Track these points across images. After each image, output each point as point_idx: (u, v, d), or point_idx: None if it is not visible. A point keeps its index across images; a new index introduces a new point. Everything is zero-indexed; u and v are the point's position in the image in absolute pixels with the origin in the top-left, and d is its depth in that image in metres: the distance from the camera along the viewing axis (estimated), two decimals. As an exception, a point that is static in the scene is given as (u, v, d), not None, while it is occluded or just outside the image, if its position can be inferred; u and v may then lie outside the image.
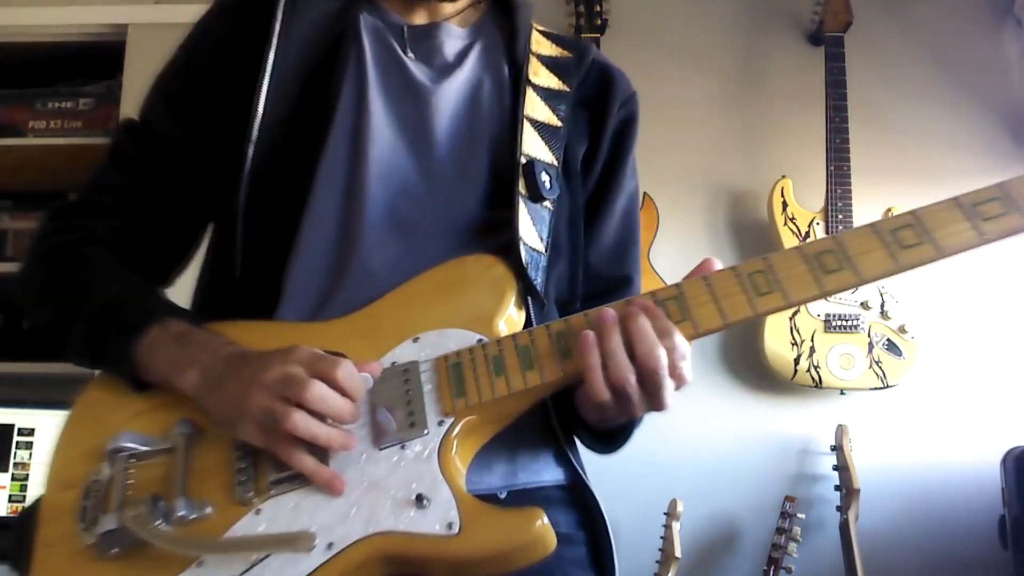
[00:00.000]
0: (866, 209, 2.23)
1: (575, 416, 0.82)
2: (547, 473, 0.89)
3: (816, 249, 0.73)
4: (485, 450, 0.78)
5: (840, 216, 2.21)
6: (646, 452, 2.26)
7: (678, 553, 1.94)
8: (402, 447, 0.73)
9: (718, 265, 0.75)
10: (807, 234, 2.22)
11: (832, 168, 2.23)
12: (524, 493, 0.85)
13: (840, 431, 2.13)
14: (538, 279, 0.84)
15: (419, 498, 0.70)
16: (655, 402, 0.71)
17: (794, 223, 2.25)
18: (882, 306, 2.18)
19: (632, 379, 0.69)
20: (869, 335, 2.17)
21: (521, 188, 0.86)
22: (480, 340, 0.77)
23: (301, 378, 0.69)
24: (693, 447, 2.27)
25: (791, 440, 2.30)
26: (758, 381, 2.31)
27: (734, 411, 2.32)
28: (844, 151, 2.22)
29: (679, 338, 0.71)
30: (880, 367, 2.15)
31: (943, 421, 2.28)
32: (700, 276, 0.75)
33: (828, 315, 2.18)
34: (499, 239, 0.85)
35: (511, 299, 0.80)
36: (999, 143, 2.41)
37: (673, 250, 2.32)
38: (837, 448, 2.12)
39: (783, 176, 2.29)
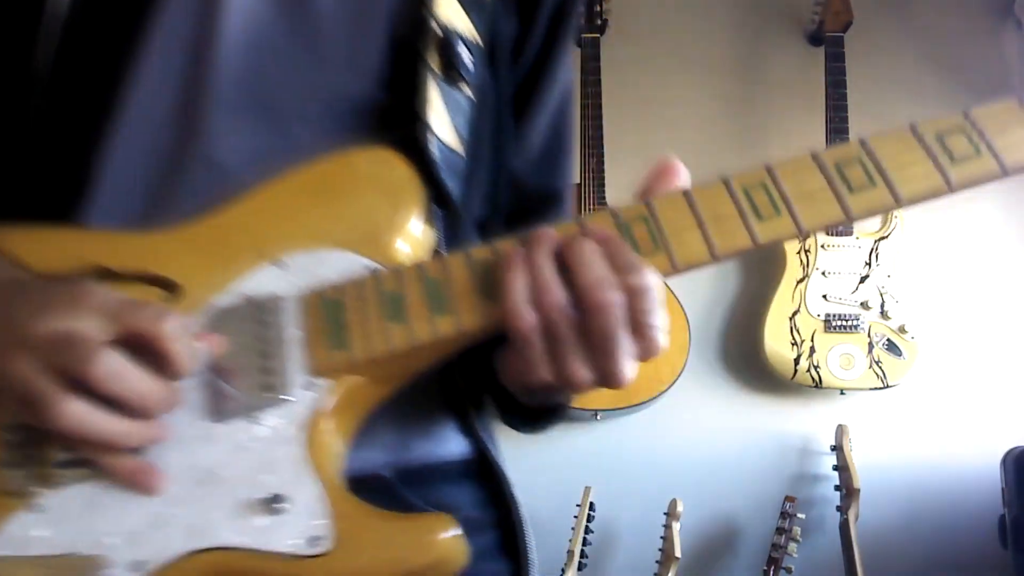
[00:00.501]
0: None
1: (490, 377, 0.62)
2: (447, 445, 0.71)
3: (838, 158, 0.55)
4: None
5: (840, 216, 2.21)
6: (646, 452, 2.26)
7: (678, 553, 1.94)
8: (252, 421, 0.52)
9: (683, 172, 0.57)
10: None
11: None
12: (416, 473, 0.67)
13: (840, 431, 2.13)
14: (454, 186, 0.64)
15: (273, 499, 0.50)
16: (603, 362, 0.51)
17: (794, 223, 2.24)
18: (882, 306, 2.18)
19: (564, 313, 0.50)
20: (869, 335, 2.17)
21: (433, 63, 0.65)
22: (371, 268, 0.56)
23: (88, 343, 0.48)
24: (693, 447, 2.27)
25: (791, 440, 2.30)
26: (758, 381, 2.31)
27: (734, 411, 2.32)
28: (844, 151, 2.22)
29: (647, 276, 0.51)
30: (880, 367, 2.15)
31: (943, 421, 2.28)
32: (679, 191, 0.56)
33: (828, 315, 2.18)
34: (401, 132, 0.64)
35: (416, 211, 0.59)
36: (999, 143, 2.40)
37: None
38: (837, 448, 2.12)
39: (783, 176, 2.29)
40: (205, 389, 0.53)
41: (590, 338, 0.51)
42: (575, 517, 2.04)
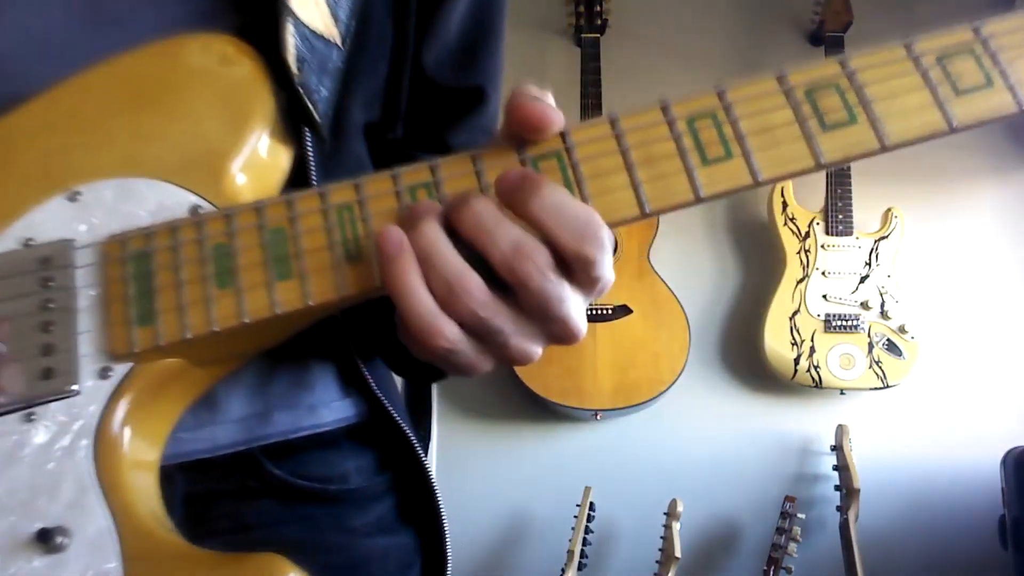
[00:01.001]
0: (866, 209, 2.23)
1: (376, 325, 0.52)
2: (322, 412, 0.57)
3: (811, 82, 0.43)
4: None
5: (840, 216, 2.21)
6: (646, 452, 2.26)
7: (678, 553, 1.94)
8: (26, 420, 0.39)
9: (547, 96, 0.42)
10: (807, 234, 2.22)
11: (832, 168, 2.22)
12: (283, 446, 0.54)
13: (840, 431, 2.13)
14: (321, 88, 0.48)
15: (48, 532, 0.37)
16: (550, 328, 0.41)
17: (794, 223, 2.24)
18: (882, 306, 2.18)
19: (489, 307, 0.39)
20: (869, 335, 2.16)
21: None
22: (195, 207, 0.42)
23: None
24: (693, 447, 2.27)
25: (791, 440, 2.30)
26: (758, 381, 2.31)
27: (734, 411, 2.32)
28: (844, 151, 2.22)
29: (563, 207, 0.39)
30: (880, 367, 2.15)
31: (943, 421, 2.28)
32: (604, 118, 0.43)
33: (828, 315, 2.18)
34: (252, 13, 0.48)
35: (259, 125, 0.44)
36: (999, 143, 2.40)
37: (673, 250, 2.32)
38: (837, 448, 2.12)
39: (783, 176, 2.29)
40: None
41: (528, 314, 0.40)
42: (575, 517, 2.04)
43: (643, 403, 2.16)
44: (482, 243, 0.39)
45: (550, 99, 0.42)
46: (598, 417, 2.18)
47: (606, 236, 0.40)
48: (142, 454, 0.42)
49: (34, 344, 0.40)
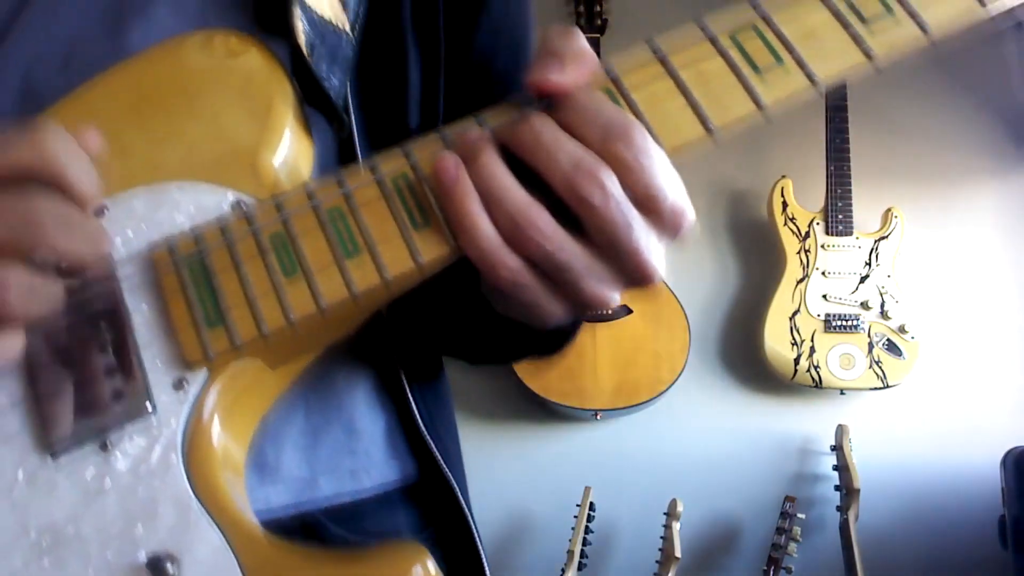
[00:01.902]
0: (866, 209, 2.23)
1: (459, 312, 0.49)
2: (367, 476, 0.54)
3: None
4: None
5: (840, 216, 2.21)
6: (646, 452, 2.26)
7: (678, 553, 1.94)
8: (104, 450, 0.37)
9: (579, 38, 0.41)
10: (807, 234, 2.22)
11: (832, 168, 2.22)
12: (334, 511, 0.52)
13: (840, 431, 2.13)
14: (332, 77, 0.46)
15: (155, 561, 0.35)
16: (625, 265, 0.39)
17: (794, 223, 2.24)
18: (882, 306, 2.18)
19: (554, 238, 0.37)
20: (869, 335, 2.16)
21: None
22: (238, 202, 0.41)
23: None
24: (693, 447, 2.27)
25: (791, 440, 2.30)
26: (758, 381, 2.31)
27: (734, 411, 2.32)
28: (844, 151, 2.22)
29: (632, 130, 0.38)
30: (880, 367, 2.15)
31: (943, 421, 2.28)
32: (643, 47, 0.42)
33: (828, 315, 2.18)
34: (261, 5, 0.47)
35: (286, 111, 0.42)
36: (999, 143, 2.40)
37: (673, 250, 2.32)
38: (837, 448, 2.12)
39: (783, 176, 2.29)
40: (23, 408, 0.37)
41: (599, 247, 0.38)
42: (575, 517, 2.04)
43: (643, 403, 2.16)
44: (542, 162, 0.37)
45: (573, 45, 0.40)
46: (598, 417, 2.18)
47: (639, 136, 0.37)
48: (233, 461, 0.40)
49: (96, 367, 0.38)
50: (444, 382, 0.62)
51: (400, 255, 0.38)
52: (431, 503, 0.58)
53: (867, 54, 0.41)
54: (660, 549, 1.99)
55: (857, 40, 0.41)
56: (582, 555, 2.01)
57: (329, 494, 0.52)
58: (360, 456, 0.54)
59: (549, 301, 0.39)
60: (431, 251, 0.39)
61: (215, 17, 0.46)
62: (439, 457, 0.56)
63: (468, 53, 0.58)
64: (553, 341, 0.53)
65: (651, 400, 2.16)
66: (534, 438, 2.30)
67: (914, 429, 2.28)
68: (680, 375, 2.17)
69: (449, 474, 0.56)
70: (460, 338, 0.59)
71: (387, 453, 0.56)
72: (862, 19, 0.41)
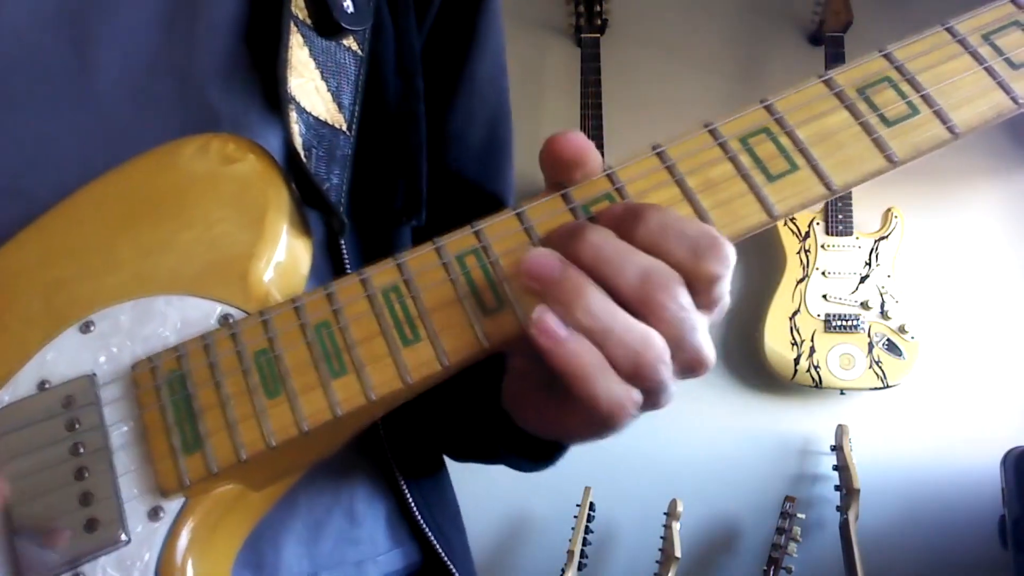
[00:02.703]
0: (866, 209, 2.23)
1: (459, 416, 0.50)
2: (373, 566, 0.54)
3: (859, 79, 0.41)
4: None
5: (840, 216, 2.21)
6: (646, 452, 2.26)
7: (678, 553, 1.94)
8: None
9: (585, 147, 0.39)
10: (807, 234, 2.22)
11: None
12: None
13: (840, 431, 2.13)
14: (332, 176, 0.46)
15: None
16: (677, 360, 0.37)
17: (794, 223, 2.24)
18: (882, 306, 2.18)
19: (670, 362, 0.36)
20: (869, 335, 2.16)
21: (296, 8, 0.47)
22: (225, 316, 0.39)
23: None
24: (693, 447, 2.27)
25: (791, 440, 2.30)
26: (758, 381, 2.31)
27: (734, 411, 2.32)
28: (844, 151, 2.22)
29: (727, 251, 0.37)
30: (880, 367, 2.15)
31: (943, 421, 2.28)
32: (647, 149, 0.40)
33: (828, 315, 2.18)
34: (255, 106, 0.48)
35: (280, 219, 0.41)
36: (999, 143, 2.40)
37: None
38: (837, 448, 2.12)
39: (783, 176, 2.29)
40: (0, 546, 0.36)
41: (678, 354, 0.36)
42: (575, 517, 2.04)
43: (643, 403, 2.16)
44: (607, 276, 0.35)
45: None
46: (598, 417, 2.17)
47: (727, 249, 0.36)
48: None
49: (70, 495, 0.36)
50: (444, 473, 0.62)
51: (388, 376, 0.37)
52: None
53: (889, 158, 0.39)
54: (660, 549, 1.99)
55: (876, 139, 0.39)
56: (582, 555, 2.01)
57: None
58: (364, 545, 0.53)
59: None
60: (420, 370, 0.37)
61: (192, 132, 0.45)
62: (439, 548, 0.54)
63: (444, 130, 0.59)
64: (547, 451, 0.51)
65: (651, 400, 2.16)
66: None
67: (914, 429, 2.28)
68: (680, 375, 2.17)
69: (451, 565, 0.55)
70: (445, 438, 0.58)
71: (390, 542, 0.55)
72: (884, 119, 0.40)
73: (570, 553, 1.99)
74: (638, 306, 0.35)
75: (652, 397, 0.36)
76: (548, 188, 0.40)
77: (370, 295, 0.38)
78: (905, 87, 0.40)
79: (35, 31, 0.46)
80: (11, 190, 0.43)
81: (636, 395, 0.35)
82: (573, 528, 2.02)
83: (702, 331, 0.36)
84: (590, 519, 2.04)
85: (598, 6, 2.31)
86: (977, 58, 0.40)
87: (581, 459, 2.45)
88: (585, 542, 2.02)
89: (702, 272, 0.36)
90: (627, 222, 0.36)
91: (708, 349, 0.37)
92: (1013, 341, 2.32)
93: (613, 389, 0.35)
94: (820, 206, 2.24)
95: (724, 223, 0.38)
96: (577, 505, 2.05)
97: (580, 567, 2.01)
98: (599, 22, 2.31)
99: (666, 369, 0.35)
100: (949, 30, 0.41)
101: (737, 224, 0.38)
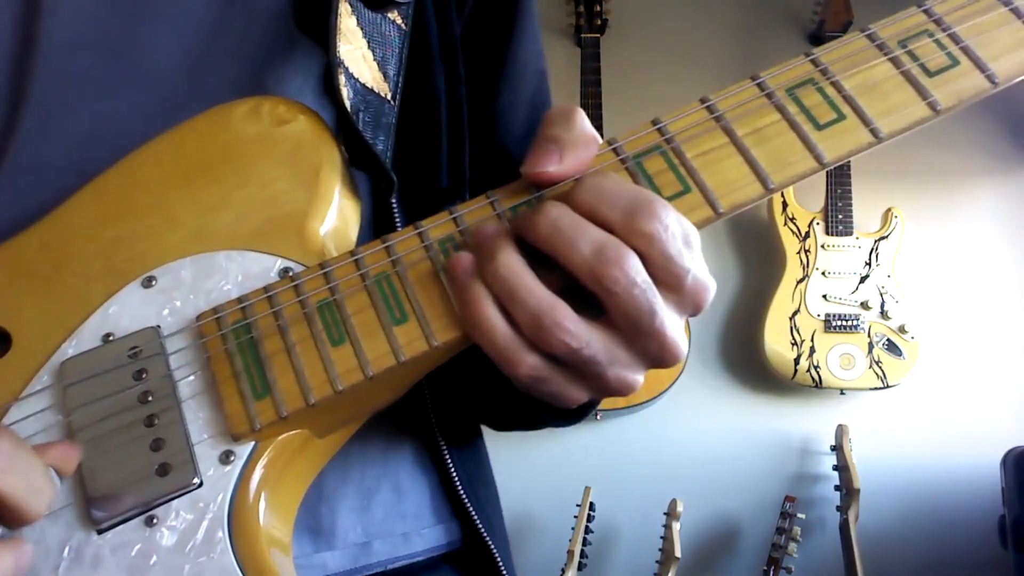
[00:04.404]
0: (866, 209, 2.23)
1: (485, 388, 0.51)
2: (419, 538, 0.56)
3: (899, 32, 0.41)
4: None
5: (840, 216, 2.21)
6: (646, 452, 2.26)
7: (678, 553, 1.94)
8: (149, 525, 0.37)
9: (582, 124, 0.40)
10: (807, 234, 2.22)
11: (832, 168, 2.22)
12: (392, 574, 0.53)
13: (840, 431, 2.13)
14: (377, 142, 0.47)
15: None
16: (647, 346, 0.38)
17: (794, 223, 2.24)
18: (882, 306, 2.18)
19: (576, 334, 0.36)
20: (869, 335, 2.16)
21: None
22: (285, 269, 0.41)
23: None
24: (693, 447, 2.27)
25: (791, 440, 2.30)
26: (758, 381, 2.31)
27: (734, 411, 2.32)
28: (844, 151, 2.22)
29: (653, 208, 0.37)
30: (880, 367, 2.15)
31: (943, 421, 2.28)
32: (695, 102, 0.42)
33: (828, 315, 2.18)
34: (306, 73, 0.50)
35: (334, 177, 0.43)
36: (999, 143, 2.40)
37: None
38: (837, 448, 2.12)
39: (783, 176, 2.29)
40: (69, 483, 0.37)
41: (623, 332, 0.37)
42: (575, 517, 2.04)
43: (643, 403, 2.16)
44: (561, 250, 0.36)
45: (573, 130, 0.40)
46: (598, 417, 2.18)
47: (661, 208, 0.36)
48: (279, 536, 0.39)
49: (142, 441, 0.37)
50: (482, 447, 0.63)
51: (448, 323, 0.38)
52: (474, 570, 0.58)
53: (933, 106, 0.40)
54: (660, 549, 1.99)
55: (919, 88, 0.40)
56: (582, 555, 2.01)
57: (384, 559, 0.53)
58: (410, 519, 0.55)
59: (570, 389, 0.39)
60: None
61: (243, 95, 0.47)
62: (480, 525, 0.56)
63: (490, 111, 0.61)
64: (578, 409, 0.52)
65: (651, 400, 2.16)
66: (534, 438, 2.30)
67: (914, 429, 2.28)
68: (680, 375, 2.17)
69: (491, 542, 0.57)
70: (488, 407, 0.59)
71: (434, 517, 0.57)
72: (926, 70, 0.41)
73: (570, 553, 1.99)
74: (590, 281, 0.36)
75: (570, 369, 0.37)
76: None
77: (427, 245, 0.39)
78: (944, 39, 0.41)
79: (97, 9, 0.47)
80: (75, 167, 0.44)
81: (530, 356, 0.36)
82: (573, 528, 2.02)
83: (666, 317, 0.37)
84: (590, 519, 2.04)
85: (598, 6, 2.31)
86: (1017, 13, 0.41)
87: (581, 459, 2.45)
88: (585, 542, 2.02)
89: (636, 230, 0.36)
90: (571, 191, 0.37)
91: (674, 337, 0.37)
92: (1013, 341, 2.32)
93: (504, 342, 0.36)
94: (820, 206, 2.24)
95: (774, 169, 0.39)
96: (577, 505, 2.05)
97: (580, 567, 2.01)
98: (599, 22, 2.31)
99: (569, 337, 0.36)
100: None
101: (787, 170, 0.39)
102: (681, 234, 0.37)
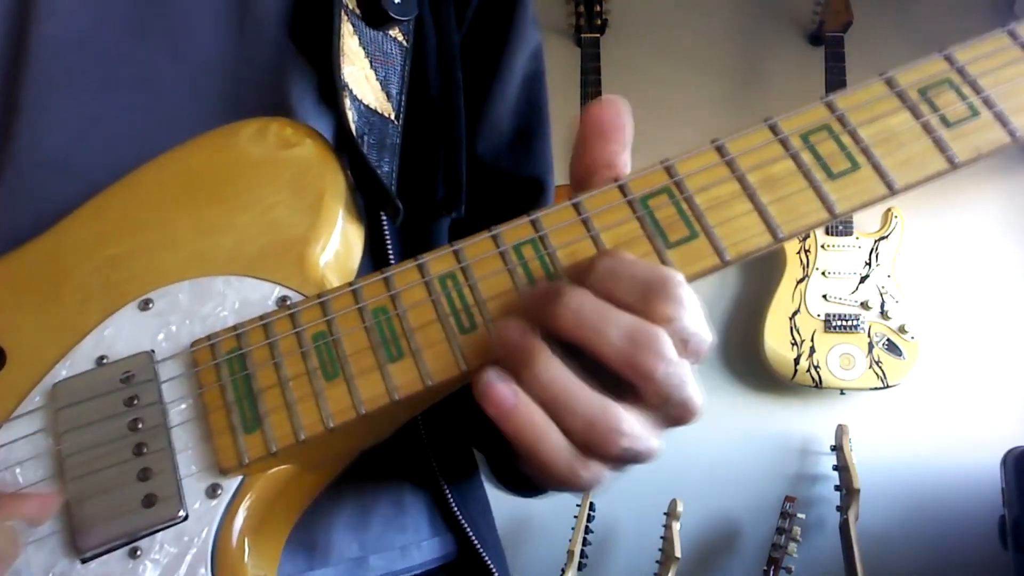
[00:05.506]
0: (866, 209, 2.23)
1: (475, 428, 0.52)
2: (418, 551, 0.55)
3: (919, 80, 0.40)
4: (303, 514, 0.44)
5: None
6: (646, 452, 2.26)
7: (678, 553, 1.94)
8: (132, 556, 0.36)
9: (625, 111, 0.41)
10: (807, 234, 2.22)
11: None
12: None
13: (840, 431, 2.13)
14: (383, 164, 0.47)
15: None
16: (673, 414, 0.37)
17: (794, 223, 2.25)
18: (882, 306, 2.18)
19: (601, 419, 0.35)
20: (869, 335, 2.16)
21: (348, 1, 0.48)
22: (283, 298, 0.40)
23: None
24: (693, 447, 2.27)
25: (791, 440, 2.30)
26: (758, 381, 2.31)
27: (734, 411, 2.32)
28: (844, 151, 2.22)
29: (682, 290, 0.37)
30: (880, 367, 2.15)
31: (943, 421, 2.28)
32: (708, 145, 0.40)
33: (828, 315, 2.18)
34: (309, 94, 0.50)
35: (337, 204, 0.42)
36: (999, 143, 2.40)
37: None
38: (837, 448, 2.12)
39: (783, 176, 2.29)
40: (62, 515, 0.36)
41: (649, 407, 0.36)
42: (575, 517, 2.04)
43: (643, 403, 2.16)
44: (590, 341, 0.34)
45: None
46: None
47: (677, 288, 0.36)
48: (265, 570, 0.38)
49: (129, 470, 0.36)
50: (478, 472, 0.63)
51: (446, 363, 0.37)
52: None
53: (951, 160, 0.39)
54: (660, 549, 1.99)
55: (938, 140, 0.39)
56: (582, 555, 2.01)
57: (380, 574, 0.52)
58: (409, 532, 0.55)
59: (610, 477, 0.37)
60: (478, 357, 0.37)
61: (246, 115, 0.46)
62: (474, 537, 0.56)
63: (480, 121, 0.60)
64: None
65: (651, 400, 2.16)
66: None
67: (914, 429, 2.28)
68: (680, 375, 2.17)
69: (485, 554, 0.56)
70: (483, 445, 0.59)
71: (431, 529, 0.56)
72: (944, 121, 0.39)
73: (570, 553, 1.99)
74: (624, 368, 0.34)
75: (616, 464, 0.36)
76: (579, 164, 0.40)
77: (427, 282, 0.38)
78: (966, 89, 0.40)
79: (91, 17, 0.47)
80: (63, 165, 0.44)
81: (590, 466, 0.35)
82: (573, 528, 2.02)
83: (689, 381, 0.36)
84: (590, 519, 2.04)
85: (598, 6, 2.31)
86: None
87: (581, 459, 2.43)
88: (585, 542, 2.02)
89: (656, 314, 0.35)
90: (584, 272, 0.36)
91: (696, 397, 0.37)
92: (1013, 341, 2.32)
93: (563, 458, 0.34)
94: (820, 206, 2.23)
95: (785, 220, 0.38)
96: (577, 505, 2.05)
97: (580, 567, 2.01)
98: (599, 22, 2.31)
99: (624, 439, 0.34)
100: (1011, 33, 0.42)
101: (798, 221, 0.38)
102: (695, 305, 0.37)
